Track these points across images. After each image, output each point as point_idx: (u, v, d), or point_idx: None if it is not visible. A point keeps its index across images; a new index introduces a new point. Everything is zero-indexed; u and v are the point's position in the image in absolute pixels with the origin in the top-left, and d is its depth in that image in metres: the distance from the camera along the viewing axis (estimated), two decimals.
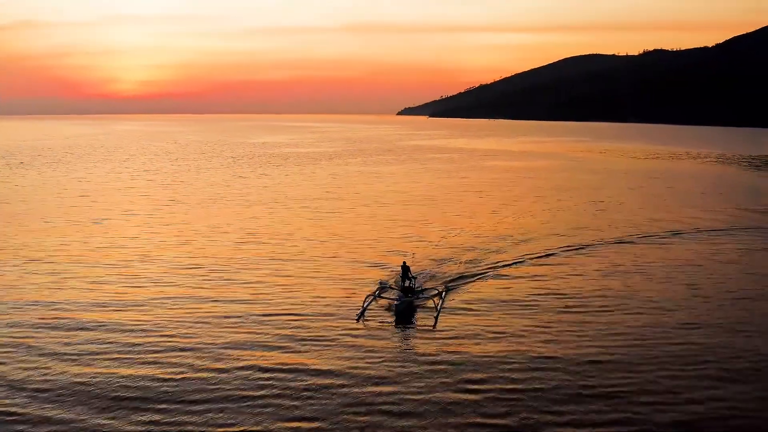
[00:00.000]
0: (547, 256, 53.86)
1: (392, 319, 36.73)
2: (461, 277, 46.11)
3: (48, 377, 28.81)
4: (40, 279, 45.00)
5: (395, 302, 37.97)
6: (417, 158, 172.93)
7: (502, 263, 50.56)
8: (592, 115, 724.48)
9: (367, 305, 37.85)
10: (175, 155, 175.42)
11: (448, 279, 45.23)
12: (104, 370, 29.44)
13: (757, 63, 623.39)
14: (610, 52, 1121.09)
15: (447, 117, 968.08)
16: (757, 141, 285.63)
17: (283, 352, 31.57)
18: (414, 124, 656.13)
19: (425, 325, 36.05)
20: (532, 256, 53.51)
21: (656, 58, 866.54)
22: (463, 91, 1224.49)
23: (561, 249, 56.50)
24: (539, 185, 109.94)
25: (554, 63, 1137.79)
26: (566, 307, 39.79)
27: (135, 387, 27.82)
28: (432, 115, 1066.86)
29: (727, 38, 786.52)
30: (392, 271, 45.99)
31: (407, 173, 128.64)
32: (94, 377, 28.78)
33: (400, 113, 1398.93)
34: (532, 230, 65.61)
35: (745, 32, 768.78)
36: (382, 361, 30.67)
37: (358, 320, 36.08)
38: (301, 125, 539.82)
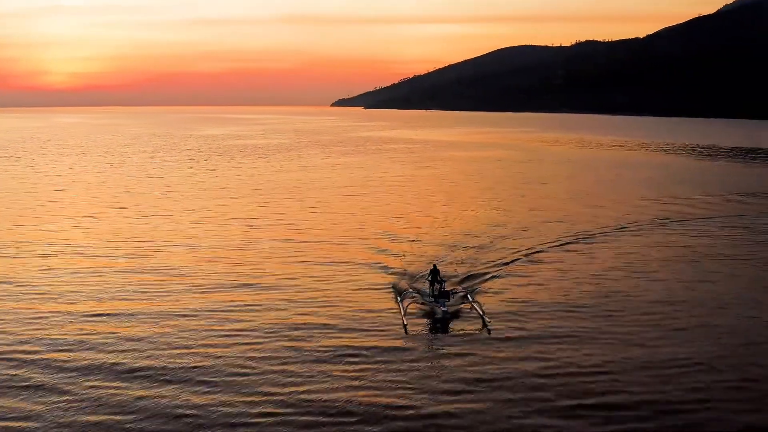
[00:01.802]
0: (552, 247, 54.61)
1: (438, 327, 34.93)
2: (474, 275, 44.93)
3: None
4: (57, 279, 44.56)
5: (440, 309, 36.07)
6: (376, 149, 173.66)
7: (510, 258, 50.25)
8: (525, 106, 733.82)
9: (405, 313, 35.83)
10: (131, 148, 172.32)
11: (462, 278, 43.94)
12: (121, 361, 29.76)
13: (687, 54, 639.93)
14: (542, 44, 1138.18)
15: (383, 108, 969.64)
16: (696, 130, 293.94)
17: (351, 378, 28.42)
18: (353, 115, 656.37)
19: (475, 331, 34.16)
20: (538, 248, 53.78)
21: (588, 49, 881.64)
22: (397, 82, 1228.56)
23: (566, 239, 57.76)
24: (511, 176, 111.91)
25: (487, 54, 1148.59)
26: (606, 296, 40.98)
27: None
28: (368, 107, 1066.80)
29: (658, 29, 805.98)
30: (401, 270, 45.61)
31: (375, 164, 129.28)
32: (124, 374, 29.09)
33: (334, 104, 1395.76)
34: (526, 222, 66.55)
35: (676, 23, 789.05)
36: (464, 376, 28.67)
37: (406, 332, 33.69)
38: (240, 117, 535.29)
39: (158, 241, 55.60)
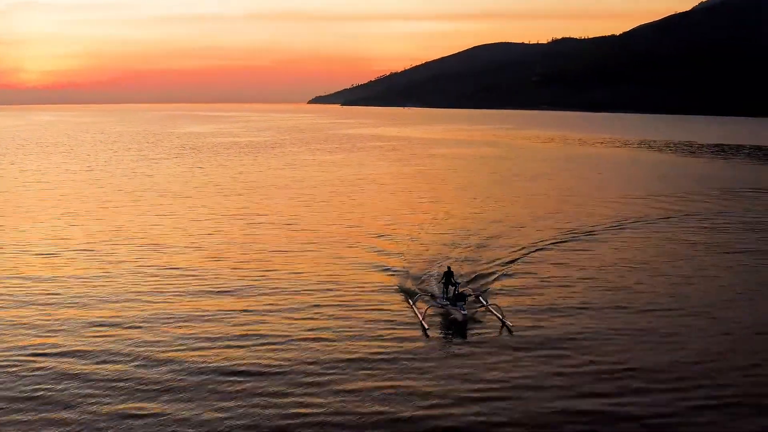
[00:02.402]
0: (552, 245, 55.18)
1: (458, 330, 34.37)
2: (480, 276, 44.61)
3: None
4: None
5: (460, 312, 35.32)
6: (360, 147, 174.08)
7: (511, 257, 50.23)
8: (502, 103, 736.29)
9: (424, 317, 35.21)
10: (116, 146, 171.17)
11: (469, 278, 43.45)
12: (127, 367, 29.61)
13: (664, 51, 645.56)
14: (519, 41, 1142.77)
15: (360, 105, 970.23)
16: (677, 127, 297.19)
17: (377, 380, 28.16)
18: (331, 112, 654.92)
19: (495, 333, 33.88)
20: (538, 246, 54.17)
21: (565, 46, 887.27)
22: (374, 79, 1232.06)
23: (566, 236, 58.64)
24: (499, 173, 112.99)
25: (464, 51, 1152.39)
26: (617, 293, 41.90)
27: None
28: (345, 104, 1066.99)
29: (635, 26, 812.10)
30: (402, 271, 45.31)
31: (362, 162, 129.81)
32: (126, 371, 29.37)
33: (311, 102, 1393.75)
34: (522, 219, 67.26)
35: (652, 20, 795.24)
36: (491, 380, 28.34)
37: (427, 336, 33.21)
38: (218, 115, 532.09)
39: (159, 241, 55.34)
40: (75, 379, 28.00)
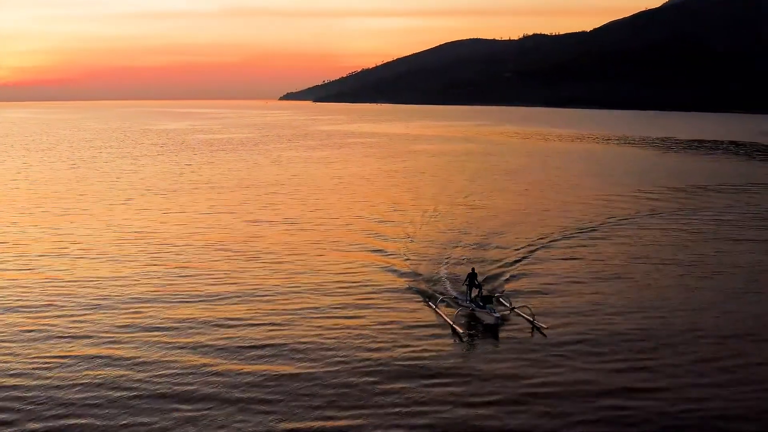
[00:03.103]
0: (557, 241, 55.68)
1: (490, 333, 33.64)
2: (494, 276, 43.96)
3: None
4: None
5: (492, 315, 34.29)
6: (343, 143, 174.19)
7: (517, 255, 49.97)
8: (474, 99, 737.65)
9: (455, 321, 34.44)
10: (96, 143, 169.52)
11: (482, 279, 41.79)
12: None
13: (634, 47, 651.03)
14: (490, 37, 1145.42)
15: (332, 102, 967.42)
16: (650, 123, 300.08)
17: (421, 392, 27.12)
18: (304, 109, 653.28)
19: (527, 335, 33.62)
20: (543, 242, 54.62)
21: (536, 42, 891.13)
22: (345, 75, 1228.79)
23: (569, 232, 59.42)
24: (487, 169, 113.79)
25: (435, 48, 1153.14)
26: (640, 291, 42.61)
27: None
28: (317, 100, 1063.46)
29: (605, 23, 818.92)
30: (410, 272, 44.67)
31: (348, 159, 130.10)
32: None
33: (282, 98, 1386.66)
34: (519, 215, 68.07)
35: (622, 17, 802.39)
36: (534, 384, 27.91)
37: (462, 340, 32.78)
38: (191, 111, 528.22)
39: (169, 240, 55.31)
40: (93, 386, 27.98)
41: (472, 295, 36.68)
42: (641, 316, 36.41)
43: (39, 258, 48.35)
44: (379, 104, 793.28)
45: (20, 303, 37.73)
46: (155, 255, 49.41)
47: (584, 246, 53.74)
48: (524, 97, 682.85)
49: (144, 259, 48.11)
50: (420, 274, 44.15)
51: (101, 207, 70.75)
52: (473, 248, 52.20)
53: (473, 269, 38.86)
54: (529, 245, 53.16)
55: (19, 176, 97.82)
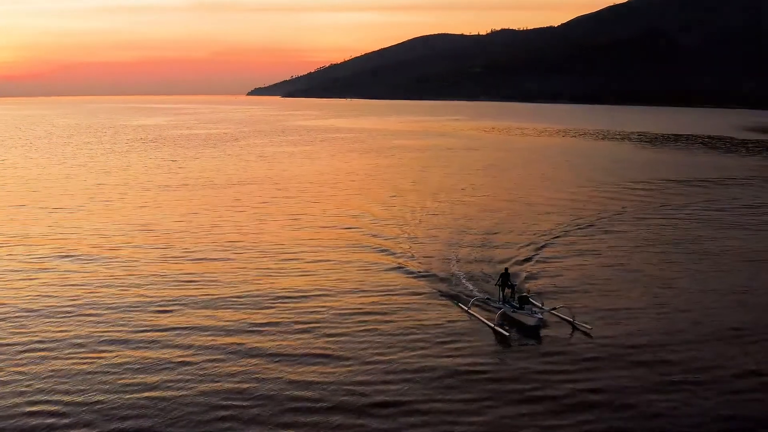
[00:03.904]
0: (566, 235, 56.58)
1: (531, 335, 32.91)
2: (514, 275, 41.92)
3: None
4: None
5: (534, 317, 33.44)
6: (323, 138, 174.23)
7: (527, 253, 49.54)
8: (444, 94, 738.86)
9: (497, 323, 33.57)
10: (75, 139, 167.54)
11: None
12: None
13: (601, 41, 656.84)
14: (458, 32, 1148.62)
15: (301, 97, 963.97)
16: (622, 118, 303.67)
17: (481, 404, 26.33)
18: (275, 104, 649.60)
19: (567, 334, 33.35)
20: (548, 238, 54.69)
21: (504, 37, 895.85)
22: (313, 71, 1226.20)
23: (575, 226, 60.66)
24: (472, 164, 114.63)
25: (403, 43, 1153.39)
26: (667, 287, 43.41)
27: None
28: (285, 96, 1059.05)
29: (572, 18, 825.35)
30: (426, 272, 43.70)
31: (332, 154, 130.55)
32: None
33: (251, 93, 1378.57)
34: (521, 211, 69.02)
35: (589, 11, 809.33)
36: (591, 389, 27.47)
37: (506, 344, 32.08)
38: (163, 107, 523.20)
39: (172, 240, 54.85)
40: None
41: (505, 295, 35.93)
42: (673, 312, 36.74)
43: (44, 259, 48.05)
44: (348, 99, 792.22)
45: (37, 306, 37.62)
46: (169, 256, 48.64)
47: (589, 241, 54.34)
48: (493, 92, 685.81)
49: (155, 259, 47.30)
50: (436, 275, 43.20)
51: (100, 204, 70.41)
52: (480, 246, 51.58)
53: (506, 269, 38.20)
54: (533, 242, 52.93)
55: (6, 173, 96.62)
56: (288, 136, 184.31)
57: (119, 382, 27.36)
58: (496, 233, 56.54)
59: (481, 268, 44.78)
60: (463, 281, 41.55)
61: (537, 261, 47.62)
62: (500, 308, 35.20)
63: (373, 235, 55.64)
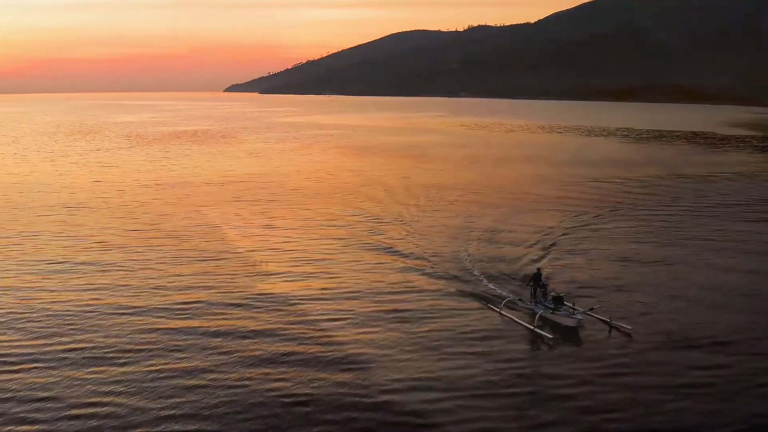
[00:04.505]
0: (571, 232, 56.74)
1: (571, 336, 32.59)
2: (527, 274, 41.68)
3: None
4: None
5: (573, 318, 33.23)
6: (311, 135, 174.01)
7: (540, 248, 49.88)
8: (421, 90, 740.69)
9: (535, 324, 33.25)
10: (60, 136, 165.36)
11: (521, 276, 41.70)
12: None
13: (577, 37, 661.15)
14: (435, 28, 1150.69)
15: (279, 93, 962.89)
16: (595, 114, 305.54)
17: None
18: (253, 101, 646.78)
19: (606, 334, 33.05)
20: (559, 233, 55.25)
21: (482, 33, 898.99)
22: (290, 67, 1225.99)
23: (584, 220, 61.81)
24: (464, 161, 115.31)
25: (381, 39, 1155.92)
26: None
27: None
28: (263, 92, 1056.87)
29: (549, 14, 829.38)
30: (444, 273, 42.56)
31: (324, 150, 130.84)
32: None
33: (227, 90, 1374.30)
34: (525, 207, 69.69)
35: (566, 8, 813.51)
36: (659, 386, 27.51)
37: (548, 345, 31.72)
38: (141, 104, 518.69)
39: (186, 240, 54.87)
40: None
41: (537, 296, 35.56)
42: (713, 307, 36.93)
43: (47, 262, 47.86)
44: (327, 96, 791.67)
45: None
46: (187, 256, 47.75)
47: (597, 236, 54.89)
48: (471, 88, 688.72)
49: (168, 260, 46.29)
50: (455, 275, 42.47)
51: (102, 200, 70.04)
52: (489, 244, 51.32)
53: (538, 269, 37.66)
54: (539, 241, 52.62)
55: None
56: (275, 132, 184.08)
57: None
58: (501, 231, 56.28)
59: (498, 268, 44.27)
60: (484, 281, 40.72)
61: (551, 259, 47.18)
62: (531, 309, 35.02)
63: (378, 234, 54.80)
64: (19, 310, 35.31)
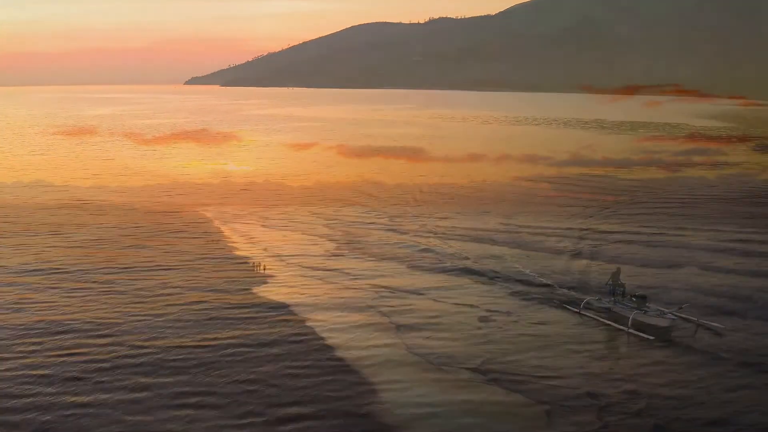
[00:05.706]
0: (578, 228, 55.78)
1: (663, 336, 31.54)
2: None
3: None
4: None
5: (666, 317, 32.34)
6: (293, 128, 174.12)
7: (573, 242, 49.36)
8: (385, 83, 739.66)
9: (631, 325, 32.16)
10: (40, 129, 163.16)
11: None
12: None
13: (538, 30, 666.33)
14: (396, 20, 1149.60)
15: (240, 86, 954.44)
16: (564, 106, 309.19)
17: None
18: (217, 94, 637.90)
19: (694, 334, 32.27)
20: (582, 225, 56.00)
21: (443, 25, 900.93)
22: (251, 59, 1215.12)
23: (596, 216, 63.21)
24: (454, 153, 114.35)
25: (342, 31, 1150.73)
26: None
27: None
28: (225, 85, 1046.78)
29: (510, 6, 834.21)
30: (492, 275, 40.98)
31: (315, 142, 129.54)
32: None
33: (188, 83, 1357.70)
34: (531, 202, 70.78)
35: (526, 0, 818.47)
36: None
37: (650, 344, 30.83)
38: (107, 97, 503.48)
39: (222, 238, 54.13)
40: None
41: (616, 295, 34.71)
42: None
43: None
44: (290, 88, 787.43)
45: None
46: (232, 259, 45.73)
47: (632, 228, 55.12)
48: (434, 80, 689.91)
49: (194, 260, 44.59)
50: (509, 276, 40.87)
51: (97, 198, 68.84)
52: (519, 239, 50.38)
53: (618, 268, 36.24)
54: (567, 234, 52.12)
55: None
56: (253, 125, 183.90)
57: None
58: (524, 226, 55.18)
59: (543, 264, 43.20)
60: (606, 284, 36.52)
61: (586, 254, 46.22)
62: (615, 310, 34.14)
63: (403, 233, 52.90)
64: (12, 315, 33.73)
